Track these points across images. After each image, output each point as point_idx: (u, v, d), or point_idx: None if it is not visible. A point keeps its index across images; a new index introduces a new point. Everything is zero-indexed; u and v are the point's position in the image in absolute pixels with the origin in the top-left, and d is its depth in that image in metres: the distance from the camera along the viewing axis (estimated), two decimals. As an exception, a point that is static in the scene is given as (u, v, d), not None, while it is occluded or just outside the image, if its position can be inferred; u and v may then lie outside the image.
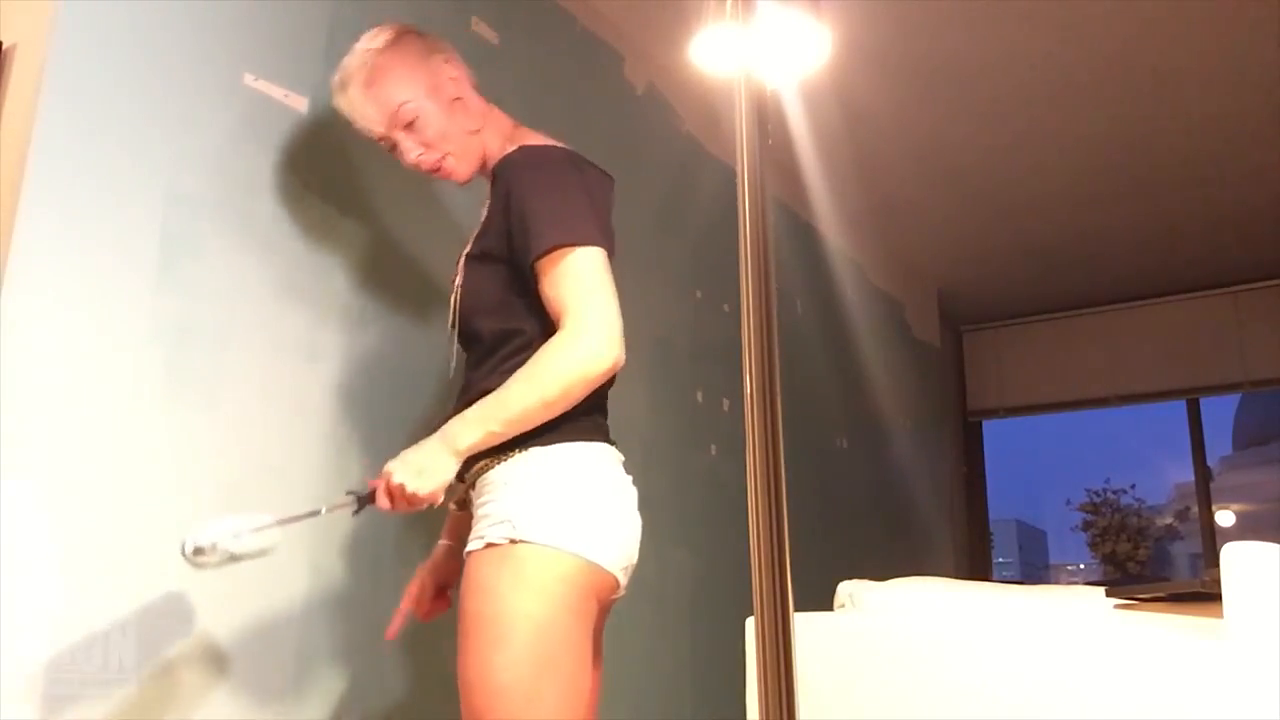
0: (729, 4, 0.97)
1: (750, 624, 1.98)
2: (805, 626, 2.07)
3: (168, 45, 1.85)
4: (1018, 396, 5.96)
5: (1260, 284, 5.33)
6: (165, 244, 1.81)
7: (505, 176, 1.61)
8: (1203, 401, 5.58)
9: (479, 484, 1.55)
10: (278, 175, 2.04)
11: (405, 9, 2.39)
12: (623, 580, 1.54)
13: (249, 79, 2.00)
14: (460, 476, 1.56)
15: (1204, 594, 1.58)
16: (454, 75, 1.73)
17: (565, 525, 1.45)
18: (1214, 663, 1.62)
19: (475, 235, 1.67)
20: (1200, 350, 5.46)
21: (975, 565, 5.72)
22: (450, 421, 1.52)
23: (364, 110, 1.68)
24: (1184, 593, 1.66)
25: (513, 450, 1.51)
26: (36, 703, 1.54)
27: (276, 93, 2.06)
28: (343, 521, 2.05)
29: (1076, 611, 1.87)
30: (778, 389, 0.85)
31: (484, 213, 1.67)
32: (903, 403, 4.88)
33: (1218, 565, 1.53)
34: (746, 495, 0.86)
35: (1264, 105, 3.65)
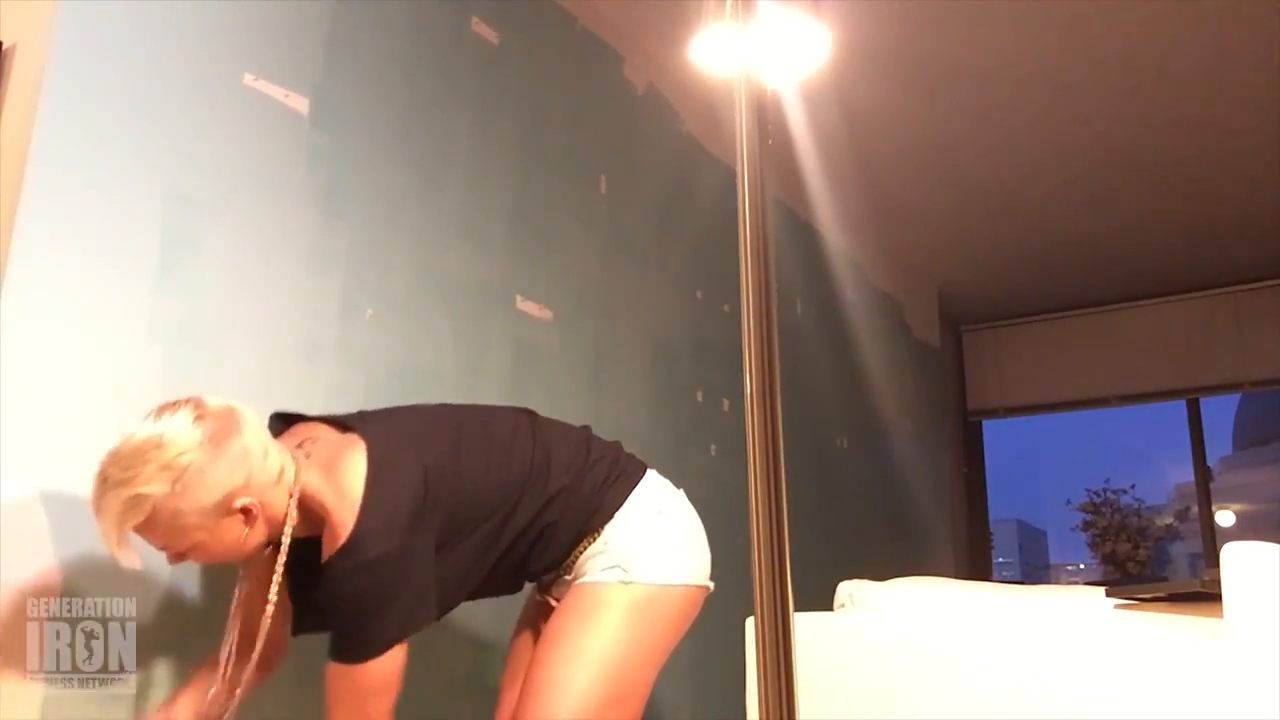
0: (729, 4, 0.97)
1: (750, 624, 1.98)
2: (805, 626, 2.07)
3: (168, 45, 1.85)
4: (1018, 396, 5.95)
5: (1260, 284, 5.33)
6: (165, 244, 1.81)
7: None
8: (1203, 401, 5.58)
9: (578, 564, 1.68)
10: (278, 175, 2.04)
11: (405, 9, 2.39)
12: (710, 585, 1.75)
13: (249, 79, 2.00)
14: (543, 586, 1.75)
15: (1204, 594, 1.58)
16: None
17: (667, 562, 1.66)
18: (1214, 663, 1.62)
19: None
20: (1200, 350, 5.46)
21: (975, 565, 5.72)
22: None
23: None
24: (1184, 593, 1.66)
25: (600, 527, 1.67)
26: (37, 703, 1.54)
27: (276, 93, 2.06)
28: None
29: (1076, 611, 1.87)
30: (778, 389, 0.86)
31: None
32: (903, 403, 4.88)
33: (1218, 565, 1.53)
34: (746, 495, 0.86)
35: (1264, 105, 3.65)
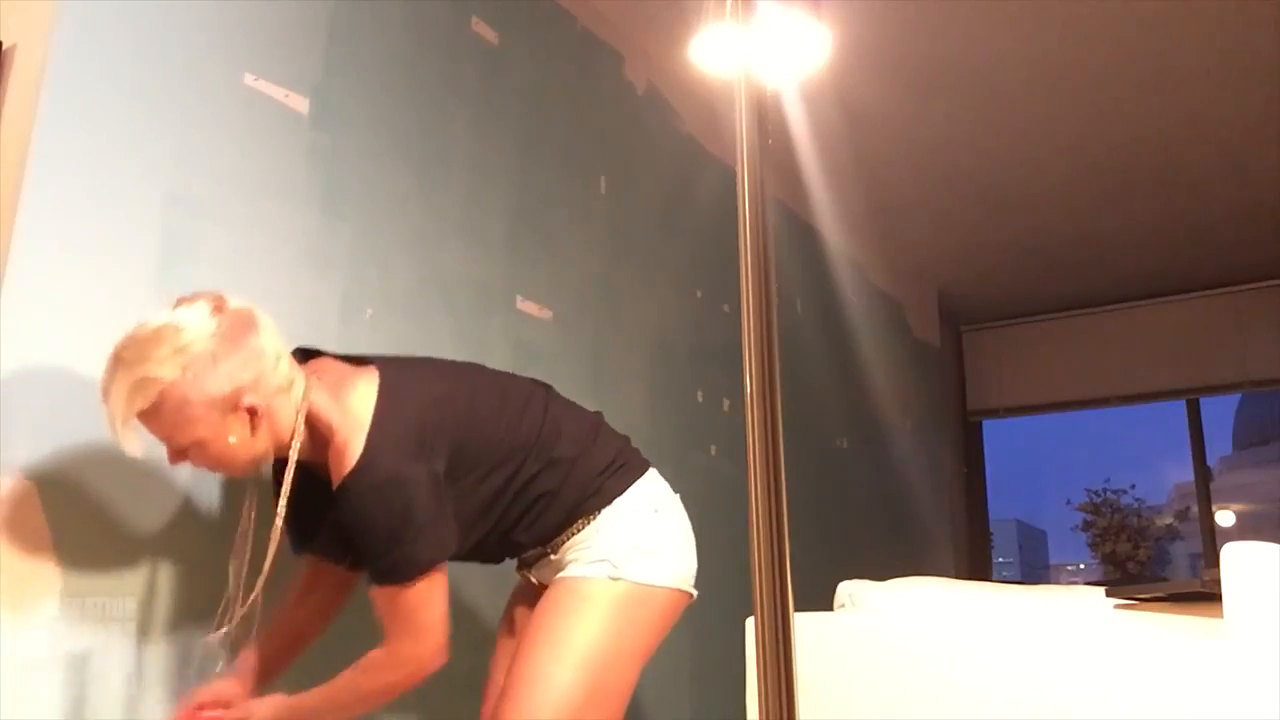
0: (729, 4, 0.97)
1: (750, 624, 1.98)
2: (805, 626, 2.07)
3: (168, 45, 1.85)
4: (1018, 396, 5.95)
5: (1260, 284, 5.33)
6: (165, 244, 1.81)
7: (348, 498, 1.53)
8: (1203, 401, 5.58)
9: (565, 546, 1.67)
10: (278, 175, 2.04)
11: (405, 9, 2.39)
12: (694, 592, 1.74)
13: (249, 79, 2.00)
14: (525, 562, 1.74)
15: (1204, 594, 1.58)
16: None
17: (655, 562, 1.64)
18: (1214, 663, 1.62)
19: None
20: (1200, 350, 5.46)
21: (975, 565, 5.72)
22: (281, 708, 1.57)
23: None
24: (1184, 593, 1.66)
25: (595, 511, 1.65)
26: (37, 703, 1.54)
27: (276, 93, 2.06)
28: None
29: (1076, 611, 1.87)
30: (778, 389, 0.86)
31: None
32: (903, 403, 4.88)
33: (1218, 565, 1.53)
34: (746, 495, 0.86)
35: (1263, 105, 3.65)
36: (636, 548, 1.63)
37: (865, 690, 1.96)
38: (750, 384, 0.85)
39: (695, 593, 1.72)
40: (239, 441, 1.46)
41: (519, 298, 2.62)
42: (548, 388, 1.76)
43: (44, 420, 1.60)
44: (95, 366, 1.68)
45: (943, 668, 1.90)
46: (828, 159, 3.93)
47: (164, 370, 1.38)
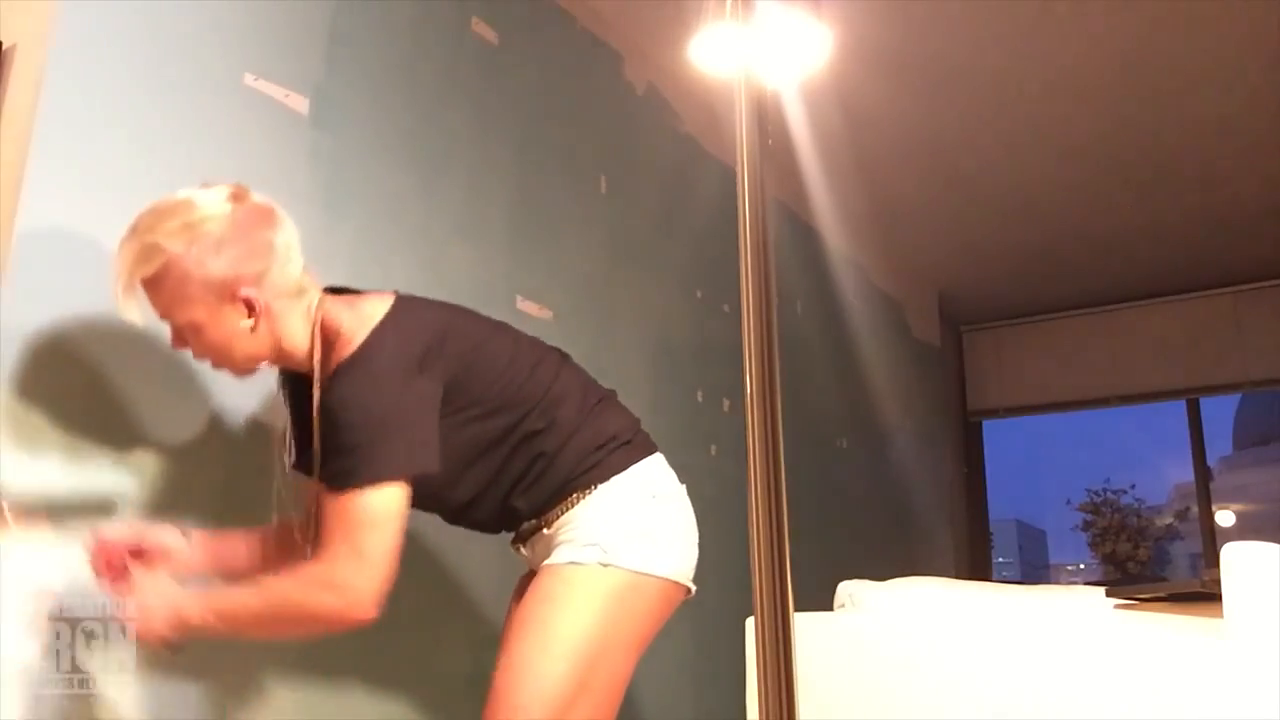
0: (729, 4, 0.97)
1: (750, 624, 1.98)
2: (805, 626, 2.07)
3: (168, 45, 1.85)
4: (1018, 396, 5.95)
5: (1260, 284, 5.33)
6: (165, 244, 1.81)
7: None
8: (1203, 401, 5.58)
9: (559, 522, 1.59)
10: (278, 175, 2.04)
11: (405, 9, 2.39)
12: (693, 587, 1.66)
13: (249, 79, 2.00)
14: (520, 536, 1.66)
15: (1204, 594, 1.58)
16: None
17: (651, 550, 1.56)
18: (1214, 663, 1.62)
19: None
20: (1200, 350, 5.46)
21: (975, 565, 5.72)
22: (204, 594, 1.48)
23: None
24: (1184, 593, 1.66)
25: (592, 485, 1.57)
26: (38, 703, 1.54)
27: (276, 93, 2.06)
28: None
29: (1076, 611, 1.87)
30: (778, 389, 0.86)
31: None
32: (903, 403, 4.88)
33: (1218, 565, 1.53)
34: (746, 495, 0.86)
35: (1264, 105, 3.65)
36: (630, 533, 1.55)
37: (865, 690, 1.96)
38: (750, 384, 0.85)
39: (693, 588, 1.65)
40: (232, 332, 1.46)
41: (519, 298, 2.62)
42: (565, 355, 1.72)
43: (45, 420, 1.60)
44: (95, 366, 1.68)
45: (943, 668, 1.90)
46: (828, 159, 3.93)
47: (171, 242, 1.40)
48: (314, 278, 1.55)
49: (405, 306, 1.54)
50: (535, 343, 1.69)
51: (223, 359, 1.50)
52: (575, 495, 1.58)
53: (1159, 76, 3.48)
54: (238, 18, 1.99)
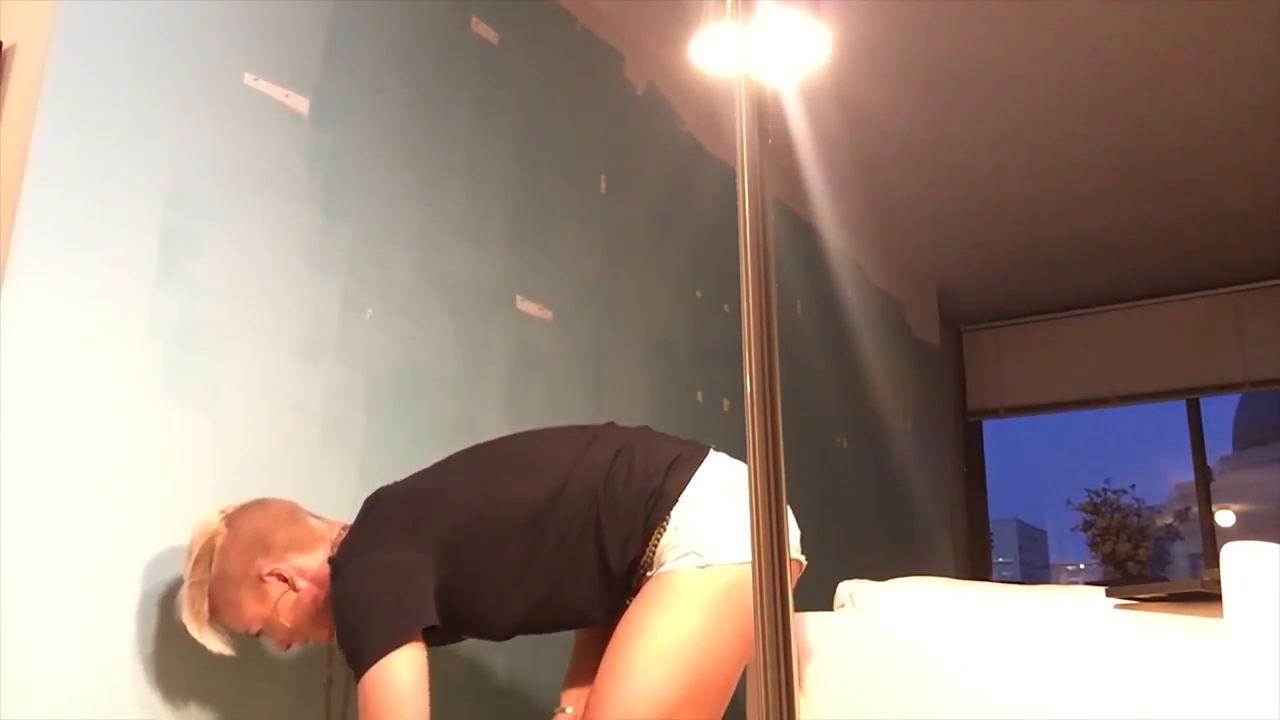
0: (729, 4, 0.97)
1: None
2: (805, 626, 2.07)
3: (168, 45, 1.85)
4: (1018, 396, 5.95)
5: (1260, 284, 5.32)
6: (165, 244, 1.81)
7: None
8: (1203, 401, 5.57)
9: (655, 559, 1.62)
10: (278, 175, 2.04)
11: (405, 9, 2.39)
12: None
13: (249, 79, 2.00)
14: (632, 591, 1.65)
15: (1204, 594, 1.58)
16: None
17: (741, 539, 1.56)
18: (1214, 663, 1.62)
19: None
20: (1200, 350, 5.45)
21: (975, 565, 5.72)
22: None
23: None
24: (1184, 593, 1.66)
25: (666, 514, 1.60)
26: (37, 703, 1.54)
27: (276, 93, 2.06)
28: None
29: (1076, 611, 1.87)
30: (778, 389, 0.85)
31: None
32: (903, 403, 4.88)
33: (1218, 565, 1.53)
34: (746, 495, 0.86)
35: (1263, 105, 3.65)
36: (716, 532, 1.57)
37: (865, 690, 1.96)
38: (750, 384, 0.85)
39: (804, 559, 1.73)
40: (286, 604, 1.67)
41: (519, 298, 2.62)
42: (569, 429, 1.77)
43: (44, 419, 1.60)
44: (95, 366, 1.68)
45: (943, 668, 1.90)
46: (827, 159, 3.93)
47: (198, 573, 1.68)
48: (317, 518, 1.76)
49: (364, 511, 1.68)
50: (517, 445, 1.75)
51: (295, 629, 1.69)
52: (658, 532, 1.60)
53: (1160, 76, 3.48)
54: (238, 18, 1.99)
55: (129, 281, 1.74)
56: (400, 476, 1.76)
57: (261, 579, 1.62)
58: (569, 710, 1.77)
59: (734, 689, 1.59)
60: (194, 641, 1.64)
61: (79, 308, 1.67)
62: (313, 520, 1.71)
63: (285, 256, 2.04)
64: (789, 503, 1.70)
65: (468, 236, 2.49)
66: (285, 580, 1.63)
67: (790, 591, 0.83)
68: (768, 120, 0.93)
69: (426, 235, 2.37)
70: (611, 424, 1.78)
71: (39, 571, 1.57)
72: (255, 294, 1.97)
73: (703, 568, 1.54)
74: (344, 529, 1.70)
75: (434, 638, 1.59)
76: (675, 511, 1.60)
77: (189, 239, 1.85)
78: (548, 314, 2.70)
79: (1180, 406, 5.60)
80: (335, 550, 1.65)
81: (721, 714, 1.56)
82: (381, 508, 1.65)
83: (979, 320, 6.05)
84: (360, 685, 1.49)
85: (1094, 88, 3.55)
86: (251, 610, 1.63)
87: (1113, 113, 3.72)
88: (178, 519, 1.76)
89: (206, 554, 1.62)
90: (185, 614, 1.62)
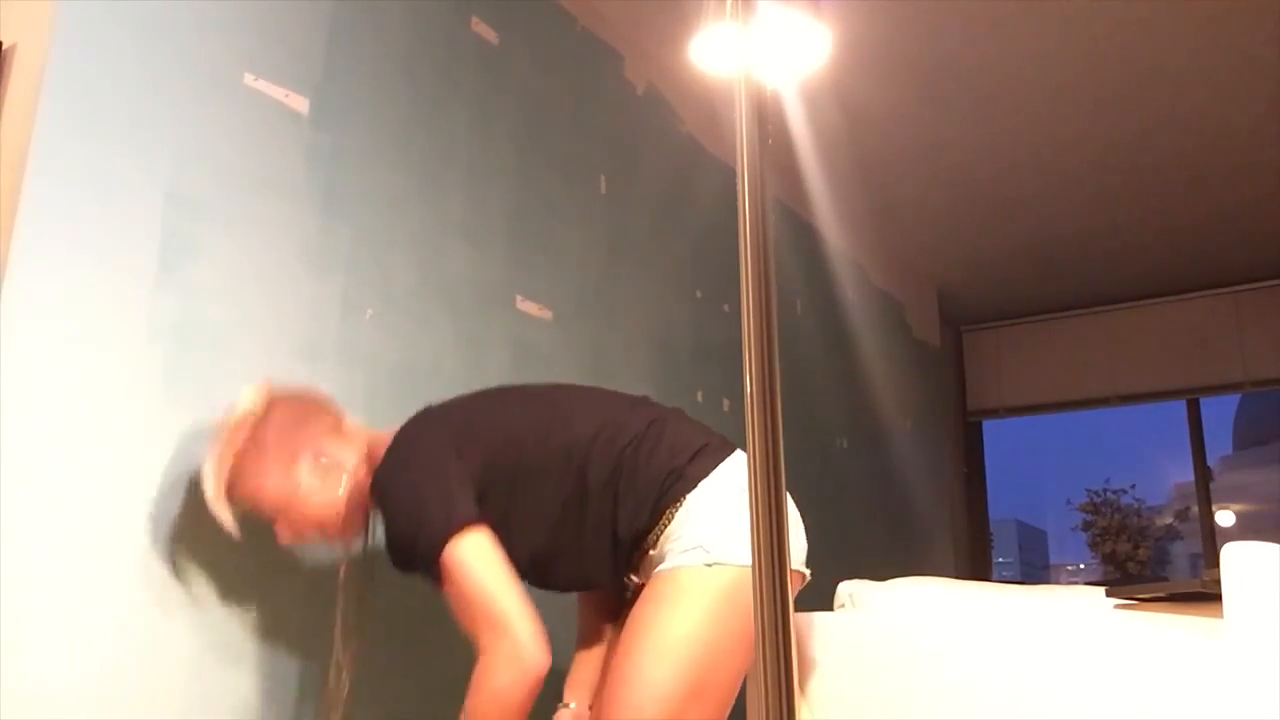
0: (729, 4, 0.97)
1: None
2: (805, 626, 2.07)
3: (168, 45, 1.85)
4: (1018, 396, 5.95)
5: (1260, 284, 5.32)
6: (165, 244, 1.81)
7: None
8: (1203, 401, 5.57)
9: (661, 539, 1.63)
10: (278, 175, 2.04)
11: (405, 9, 2.39)
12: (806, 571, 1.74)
13: (249, 79, 2.00)
14: (632, 566, 1.68)
15: (1204, 594, 1.58)
16: None
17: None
18: (1214, 663, 1.62)
19: None
20: (1200, 350, 5.45)
21: (975, 565, 5.72)
22: None
23: None
24: (1184, 593, 1.66)
25: (681, 496, 1.60)
26: (37, 703, 1.54)
27: (276, 93, 2.06)
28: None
29: (1076, 611, 1.87)
30: (778, 389, 0.85)
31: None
32: (903, 403, 4.88)
33: (1218, 565, 1.53)
34: (746, 495, 0.86)
35: (1263, 105, 3.65)
36: (727, 530, 1.56)
37: (865, 690, 1.96)
38: (750, 384, 0.85)
39: (807, 572, 1.72)
40: (312, 492, 1.73)
41: (519, 298, 2.62)
42: (607, 392, 1.82)
43: (44, 419, 1.60)
44: (95, 366, 1.68)
45: (943, 667, 1.90)
46: (828, 159, 3.93)
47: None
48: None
49: (411, 420, 1.73)
50: (566, 393, 1.80)
51: (320, 519, 1.73)
52: (671, 509, 1.60)
53: (1160, 76, 3.48)
54: (238, 18, 1.99)
55: (129, 281, 1.74)
56: (400, 476, 1.76)
57: (294, 455, 1.67)
58: (572, 705, 1.77)
59: (739, 688, 1.58)
60: (194, 644, 1.64)
61: (79, 308, 1.67)
62: (350, 419, 1.78)
63: (285, 257, 2.04)
64: (800, 513, 1.72)
65: (468, 236, 2.49)
66: (316, 462, 1.68)
67: (790, 592, 0.83)
68: (768, 120, 0.93)
69: (426, 235, 2.37)
70: (648, 397, 1.79)
71: (38, 571, 1.57)
72: (255, 294, 1.97)
73: (710, 565, 1.54)
74: (379, 437, 1.75)
75: None
76: (691, 496, 1.60)
77: (189, 239, 1.85)
78: (548, 314, 2.70)
79: (1180, 406, 5.60)
80: (376, 457, 1.69)
81: (728, 713, 1.56)
82: (431, 417, 1.71)
83: (979, 320, 6.05)
84: (445, 575, 1.54)
85: (1094, 88, 3.54)
86: (275, 484, 1.66)
87: (1113, 113, 3.72)
88: (177, 519, 1.76)
89: (247, 420, 1.65)
90: (208, 477, 1.63)
